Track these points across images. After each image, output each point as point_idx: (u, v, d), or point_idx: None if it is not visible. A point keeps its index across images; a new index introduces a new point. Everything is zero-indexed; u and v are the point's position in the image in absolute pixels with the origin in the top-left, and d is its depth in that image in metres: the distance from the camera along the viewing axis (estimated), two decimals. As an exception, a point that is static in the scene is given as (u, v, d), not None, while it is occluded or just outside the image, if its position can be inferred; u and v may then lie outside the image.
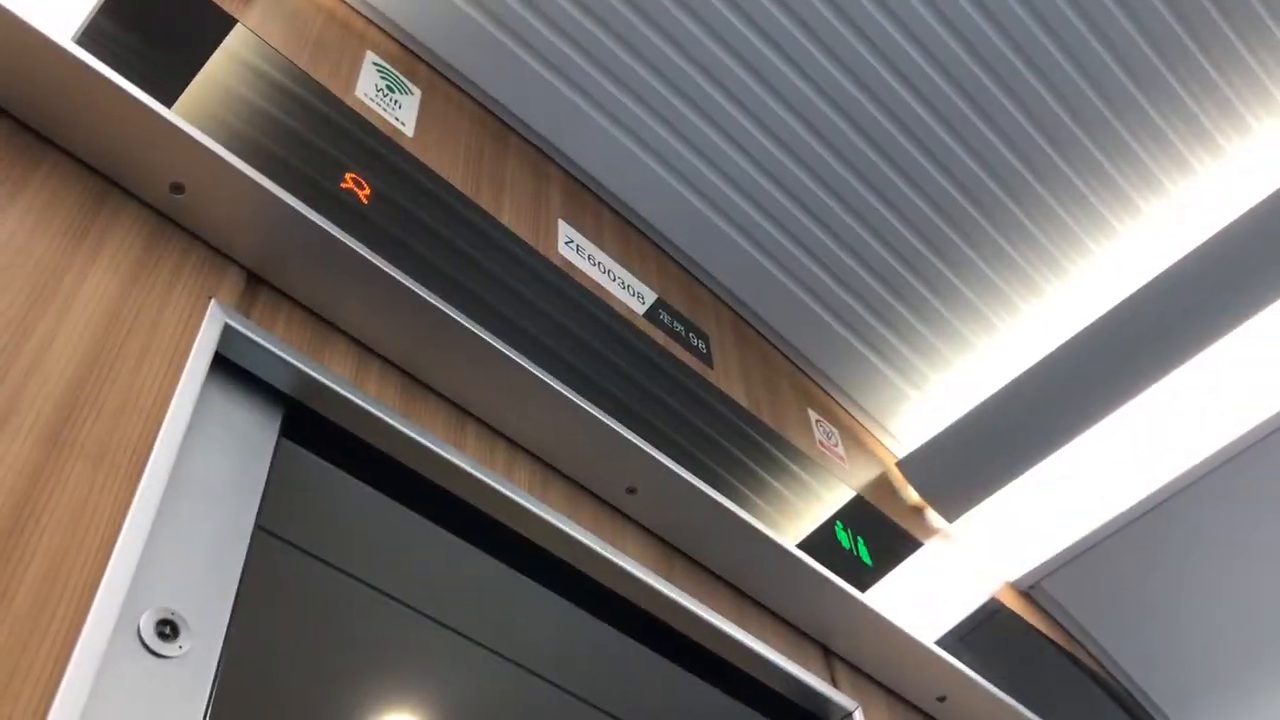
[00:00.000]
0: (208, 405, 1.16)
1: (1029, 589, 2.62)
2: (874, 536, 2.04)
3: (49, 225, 1.11)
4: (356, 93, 1.70)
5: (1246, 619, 2.54)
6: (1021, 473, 2.39)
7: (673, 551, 1.67)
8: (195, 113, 1.25)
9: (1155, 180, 2.33)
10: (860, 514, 2.07)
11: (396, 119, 1.75)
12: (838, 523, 1.95)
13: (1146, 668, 2.65)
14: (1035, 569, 2.57)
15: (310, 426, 1.28)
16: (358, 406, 1.28)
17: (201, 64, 1.38)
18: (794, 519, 1.81)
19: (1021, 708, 1.97)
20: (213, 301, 1.20)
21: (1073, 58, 2.15)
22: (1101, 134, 2.26)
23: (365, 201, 1.42)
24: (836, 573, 1.77)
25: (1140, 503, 2.43)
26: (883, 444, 2.63)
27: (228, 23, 1.49)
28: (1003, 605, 2.36)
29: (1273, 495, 2.36)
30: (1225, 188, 2.31)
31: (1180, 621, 2.57)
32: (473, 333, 1.40)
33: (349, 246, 1.31)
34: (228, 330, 1.19)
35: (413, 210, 1.51)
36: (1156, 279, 2.25)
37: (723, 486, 1.67)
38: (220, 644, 0.99)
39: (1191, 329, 2.20)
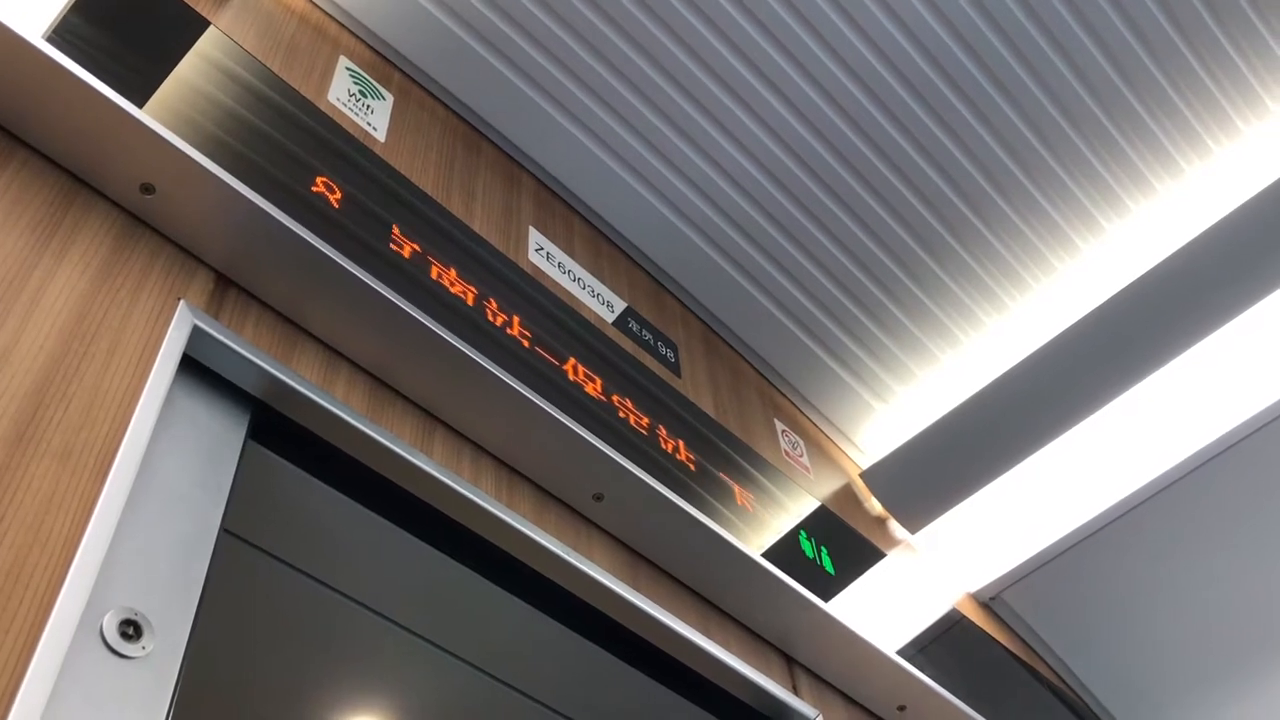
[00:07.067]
0: (175, 406, 1.16)
1: (989, 600, 2.65)
2: (837, 546, 2.06)
3: (16, 222, 1.11)
4: (329, 97, 1.71)
5: (1202, 632, 2.58)
6: (983, 486, 2.42)
7: (638, 559, 1.67)
8: (166, 114, 1.25)
9: (1117, 199, 2.37)
10: (824, 524, 2.09)
11: (369, 124, 1.75)
12: (801, 532, 1.97)
13: (1103, 679, 2.69)
14: (996, 581, 2.60)
15: (277, 429, 1.27)
16: (325, 410, 1.27)
17: (173, 65, 1.37)
18: (759, 528, 1.83)
19: (981, 718, 2.00)
20: (181, 303, 1.20)
21: (1038, 78, 2.19)
22: (1068, 157, 2.30)
23: (336, 205, 1.42)
24: (800, 581, 1.78)
25: (1099, 516, 2.47)
26: (847, 455, 2.65)
27: (200, 24, 1.48)
28: (963, 616, 2.38)
29: (1228, 511, 2.41)
30: (1187, 208, 2.36)
31: (1137, 634, 2.61)
32: (441, 338, 1.41)
33: (319, 250, 1.31)
34: (196, 332, 1.19)
35: (384, 215, 1.51)
36: (1119, 294, 2.29)
37: (688, 494, 1.68)
38: (184, 646, 0.99)
39: (1150, 345, 2.24)
